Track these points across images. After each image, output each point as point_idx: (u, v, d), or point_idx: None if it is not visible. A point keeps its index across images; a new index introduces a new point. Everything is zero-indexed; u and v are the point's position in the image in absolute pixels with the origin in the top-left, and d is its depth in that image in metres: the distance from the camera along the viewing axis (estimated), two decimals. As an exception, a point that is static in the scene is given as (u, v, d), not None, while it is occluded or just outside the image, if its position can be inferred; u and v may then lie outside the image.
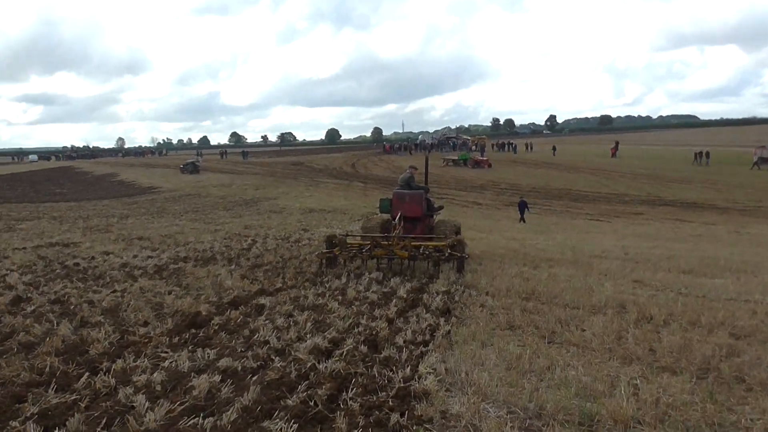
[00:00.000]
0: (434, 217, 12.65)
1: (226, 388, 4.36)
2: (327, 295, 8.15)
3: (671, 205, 35.38)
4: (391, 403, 4.18)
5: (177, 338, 5.77)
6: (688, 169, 52.52)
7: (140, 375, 4.65)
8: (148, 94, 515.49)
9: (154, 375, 4.63)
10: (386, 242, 10.14)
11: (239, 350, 5.42)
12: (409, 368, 4.85)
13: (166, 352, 5.27)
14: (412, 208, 11.62)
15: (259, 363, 4.94)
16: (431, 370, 4.79)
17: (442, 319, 6.69)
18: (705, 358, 5.32)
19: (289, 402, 4.14)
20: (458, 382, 4.64)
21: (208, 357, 5.13)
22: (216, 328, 6.25)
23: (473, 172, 52.49)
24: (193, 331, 6.07)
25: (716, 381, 4.83)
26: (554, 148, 69.66)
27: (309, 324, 6.34)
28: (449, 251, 10.10)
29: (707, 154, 55.87)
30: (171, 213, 26.89)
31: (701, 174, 49.35)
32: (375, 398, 4.27)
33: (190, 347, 5.49)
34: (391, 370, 4.87)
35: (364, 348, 5.47)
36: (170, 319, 6.53)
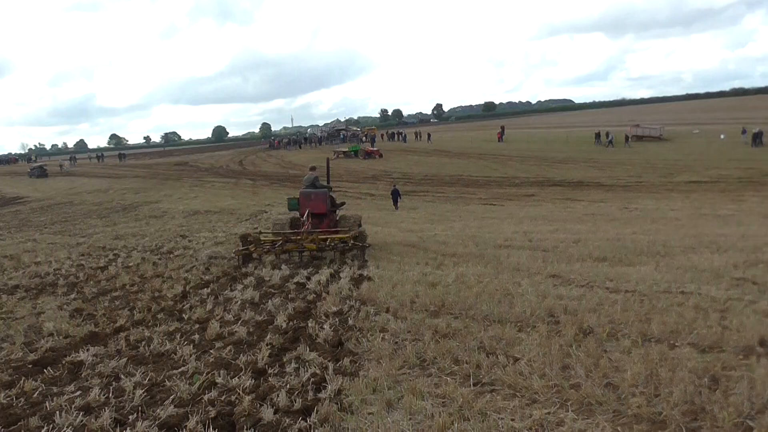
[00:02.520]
0: (337, 212, 13.44)
1: None
2: (180, 334, 6.14)
3: (560, 185, 35.86)
4: None
5: None
6: (571, 150, 54.20)
7: None
8: (15, 97, 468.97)
9: None
10: (296, 237, 10.99)
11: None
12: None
13: None
14: (318, 205, 12.44)
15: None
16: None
17: (330, 364, 4.93)
18: (686, 396, 3.93)
19: None
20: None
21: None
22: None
23: (365, 163, 51.24)
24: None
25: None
26: (429, 136, 70.33)
27: (138, 394, 4.34)
28: (352, 242, 10.96)
29: (607, 134, 55.83)
30: (34, 225, 24.04)
31: (582, 154, 51.03)
32: None
33: None
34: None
35: (212, 435, 3.62)
36: None
